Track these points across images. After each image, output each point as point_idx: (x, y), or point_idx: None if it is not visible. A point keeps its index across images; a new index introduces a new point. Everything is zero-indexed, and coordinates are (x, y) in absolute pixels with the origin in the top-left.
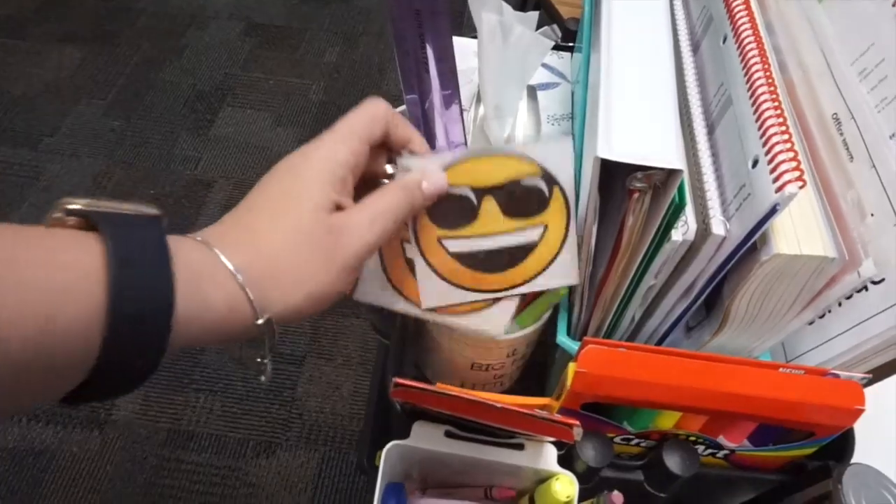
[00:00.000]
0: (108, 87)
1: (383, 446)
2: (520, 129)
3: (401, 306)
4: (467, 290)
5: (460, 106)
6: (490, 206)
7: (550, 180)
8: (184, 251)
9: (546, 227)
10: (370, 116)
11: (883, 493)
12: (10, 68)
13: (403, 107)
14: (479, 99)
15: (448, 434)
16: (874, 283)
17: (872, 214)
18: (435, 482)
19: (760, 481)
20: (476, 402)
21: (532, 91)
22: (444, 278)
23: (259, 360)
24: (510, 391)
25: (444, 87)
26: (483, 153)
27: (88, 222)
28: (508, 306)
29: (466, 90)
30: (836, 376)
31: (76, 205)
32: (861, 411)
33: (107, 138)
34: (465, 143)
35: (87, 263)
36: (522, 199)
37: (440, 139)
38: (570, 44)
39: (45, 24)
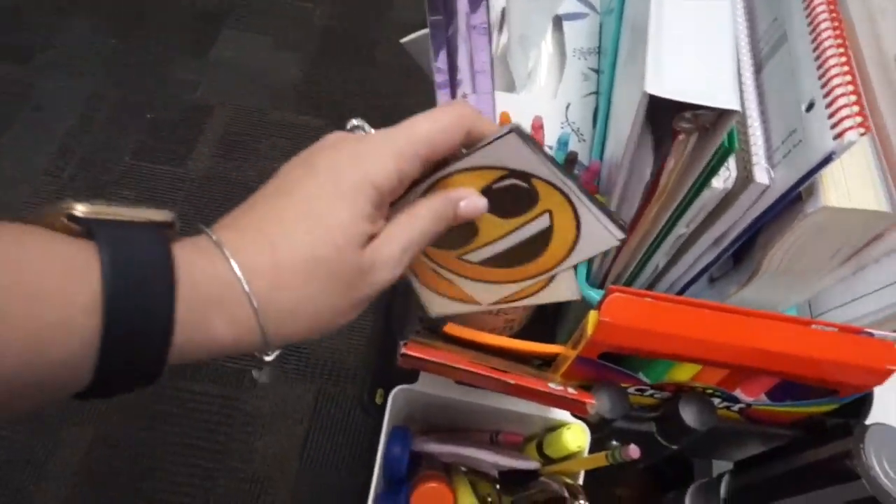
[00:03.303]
0: (102, 1)
1: (384, 384)
2: (544, 63)
3: (466, 309)
4: (515, 282)
5: (489, 32)
6: (484, 217)
7: (521, 175)
8: (194, 270)
9: (549, 211)
10: (446, 133)
11: None
12: None
13: (425, 30)
14: (501, 27)
15: (458, 381)
16: None
17: None
18: (439, 425)
19: (772, 435)
20: (488, 376)
21: (558, 21)
22: (486, 281)
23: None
24: (519, 334)
25: (473, 9)
26: (445, 174)
27: (88, 229)
28: (566, 275)
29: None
30: (871, 335)
31: (79, 212)
32: (892, 371)
33: (101, 56)
34: (491, 74)
35: (82, 295)
36: (507, 200)
37: (463, 68)
38: None
39: None
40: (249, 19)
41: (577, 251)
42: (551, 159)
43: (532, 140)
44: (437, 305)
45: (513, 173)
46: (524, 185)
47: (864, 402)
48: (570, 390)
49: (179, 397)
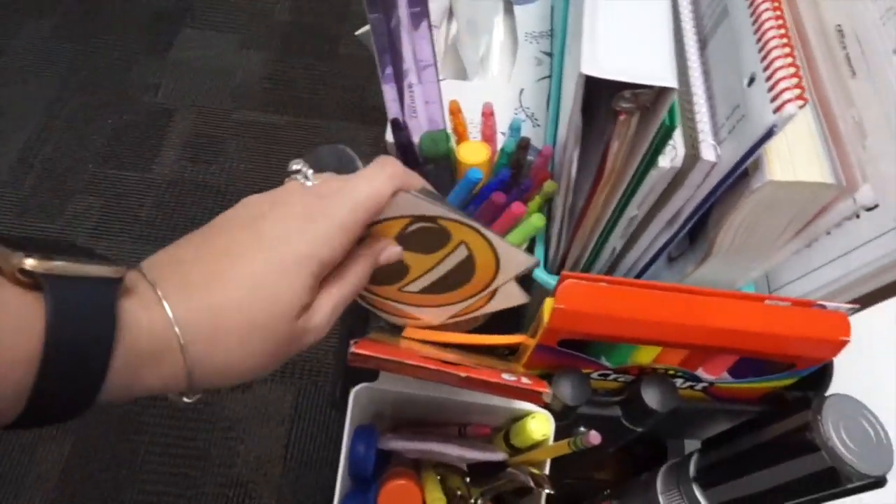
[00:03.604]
0: (57, 3)
1: (355, 382)
2: (496, 48)
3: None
4: (458, 302)
5: (429, 22)
6: (407, 256)
7: (427, 219)
8: (135, 326)
9: (464, 242)
10: (381, 197)
11: (861, 423)
12: None
13: (368, 27)
14: (451, 14)
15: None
16: (867, 209)
17: (872, 136)
18: (408, 421)
19: (738, 412)
20: (439, 371)
21: (508, 5)
22: (431, 306)
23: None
24: (489, 323)
25: (412, 4)
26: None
27: (37, 282)
28: (508, 285)
29: (437, 5)
30: (823, 307)
31: (28, 266)
32: (845, 343)
33: (59, 62)
34: (435, 65)
35: (22, 348)
36: (423, 239)
37: (408, 60)
38: None
39: None
40: (209, 17)
41: (502, 271)
42: (444, 202)
43: (424, 191)
44: (394, 321)
45: (419, 218)
46: (432, 225)
47: (823, 374)
48: (525, 380)
49: (156, 405)
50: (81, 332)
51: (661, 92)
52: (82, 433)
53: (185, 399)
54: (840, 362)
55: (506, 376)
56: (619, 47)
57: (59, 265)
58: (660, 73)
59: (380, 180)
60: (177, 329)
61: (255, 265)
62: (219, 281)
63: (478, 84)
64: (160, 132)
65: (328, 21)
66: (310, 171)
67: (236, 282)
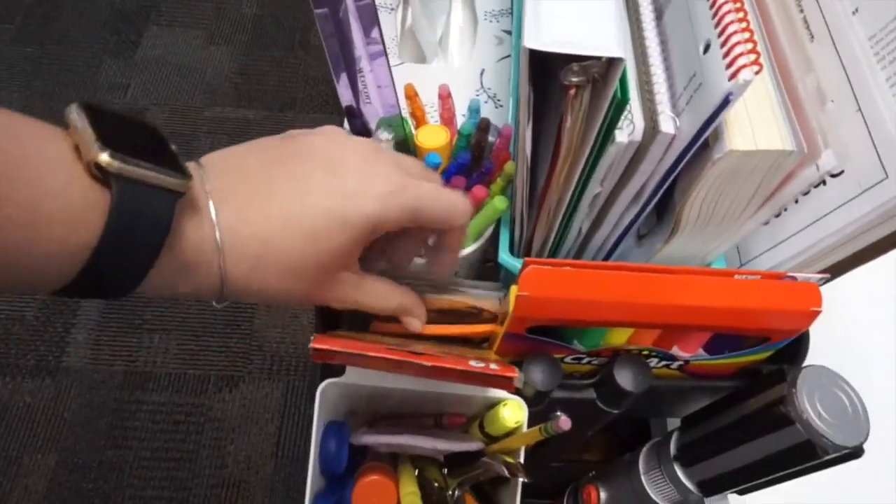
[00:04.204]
0: (15, 9)
1: (331, 375)
2: (455, 29)
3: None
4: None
5: (375, 9)
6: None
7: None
8: (184, 239)
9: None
10: (448, 211)
11: (836, 393)
12: None
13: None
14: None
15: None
16: (833, 176)
17: (833, 101)
18: (384, 414)
19: (716, 388)
20: (403, 362)
21: None
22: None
23: None
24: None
25: None
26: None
27: (107, 179)
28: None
29: None
30: (793, 279)
31: (105, 164)
32: (817, 313)
33: (21, 68)
34: (385, 49)
35: (82, 234)
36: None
37: (359, 47)
38: None
39: None
40: (175, 14)
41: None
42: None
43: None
44: None
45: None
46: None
47: (799, 346)
48: (493, 366)
49: (142, 410)
50: (135, 237)
51: (609, 63)
52: (69, 442)
53: (215, 303)
54: (817, 332)
55: (473, 363)
56: (562, 19)
57: (130, 169)
58: (605, 43)
59: (461, 203)
60: (221, 254)
61: (319, 211)
62: (277, 215)
63: (437, 67)
64: None
65: (297, 11)
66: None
67: (294, 222)
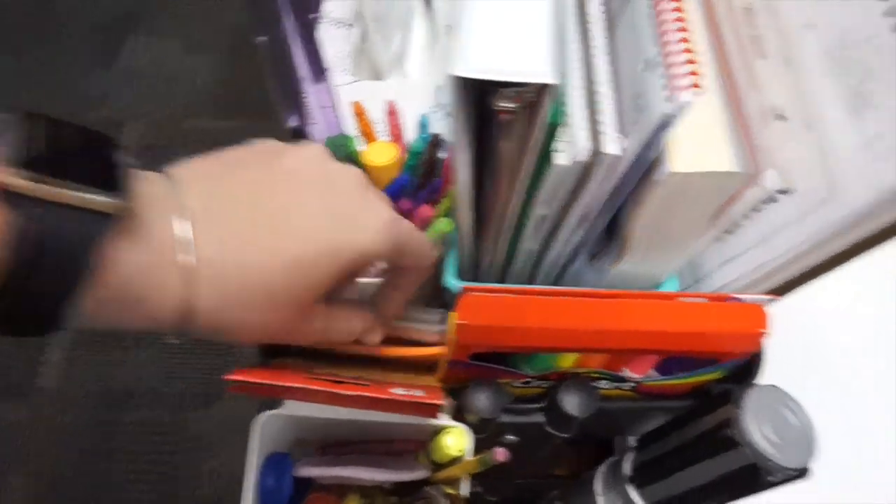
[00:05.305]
0: None
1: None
2: (414, 44)
3: None
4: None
5: (313, 33)
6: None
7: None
8: (132, 265)
9: None
10: (423, 249)
11: (783, 412)
12: None
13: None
14: (356, 19)
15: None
16: (783, 193)
17: (783, 118)
18: (333, 441)
19: (669, 408)
20: (325, 392)
21: None
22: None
23: None
24: None
25: (299, 16)
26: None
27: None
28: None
29: (348, 5)
30: (739, 300)
31: (15, 188)
32: (763, 335)
33: None
34: (322, 70)
35: None
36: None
37: (302, 68)
38: None
39: None
40: (154, 24)
41: None
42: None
43: None
44: None
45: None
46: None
47: (751, 366)
48: (418, 393)
49: (119, 430)
50: (49, 265)
51: (542, 88)
52: (50, 462)
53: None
54: (773, 348)
55: (397, 391)
56: (492, 43)
57: (45, 189)
58: (535, 68)
59: (430, 243)
60: (188, 280)
61: (308, 240)
62: (260, 239)
63: (393, 83)
64: None
65: None
66: None
67: (281, 247)
